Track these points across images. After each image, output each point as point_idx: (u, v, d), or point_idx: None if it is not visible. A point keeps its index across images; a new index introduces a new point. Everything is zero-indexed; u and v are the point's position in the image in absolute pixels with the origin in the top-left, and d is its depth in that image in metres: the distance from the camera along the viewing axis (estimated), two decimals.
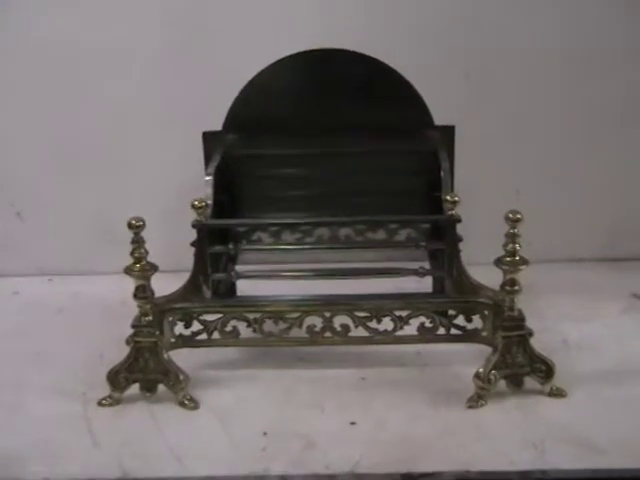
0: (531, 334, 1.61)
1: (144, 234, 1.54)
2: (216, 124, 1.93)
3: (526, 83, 2.06)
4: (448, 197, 1.65)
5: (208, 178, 1.76)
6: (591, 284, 2.09)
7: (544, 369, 1.60)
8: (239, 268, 1.87)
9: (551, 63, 2.04)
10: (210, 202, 1.72)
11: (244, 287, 1.90)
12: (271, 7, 1.97)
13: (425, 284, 1.87)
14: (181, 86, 2.04)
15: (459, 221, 1.66)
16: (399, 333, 1.67)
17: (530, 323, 1.62)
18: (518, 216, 1.52)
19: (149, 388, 1.62)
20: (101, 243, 2.15)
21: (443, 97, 1.95)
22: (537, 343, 1.63)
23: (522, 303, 1.61)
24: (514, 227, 1.53)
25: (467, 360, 1.68)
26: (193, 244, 1.69)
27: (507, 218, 1.53)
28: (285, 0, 1.97)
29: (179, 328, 1.68)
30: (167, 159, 2.09)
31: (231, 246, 1.76)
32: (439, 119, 1.94)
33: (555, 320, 1.90)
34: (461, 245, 1.75)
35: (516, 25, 2.01)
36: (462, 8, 1.99)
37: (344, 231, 1.97)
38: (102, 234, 2.14)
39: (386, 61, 1.89)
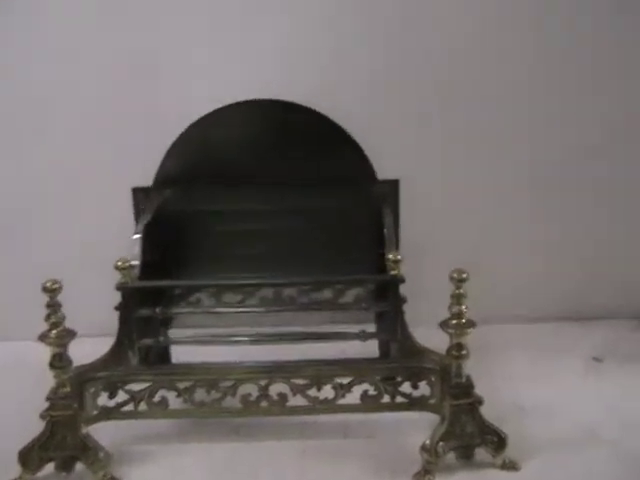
0: (481, 402, 1.50)
1: (69, 297, 1.43)
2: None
3: (486, 136, 1.99)
4: (390, 256, 1.55)
5: (136, 237, 1.65)
6: (550, 345, 2.00)
7: (496, 440, 1.50)
8: (176, 332, 1.75)
9: (511, 114, 1.98)
10: (137, 262, 1.60)
11: (183, 353, 1.77)
12: (207, 57, 1.89)
13: (374, 347, 1.75)
14: (116, 142, 1.94)
15: (402, 281, 1.55)
16: (341, 402, 1.56)
17: (484, 388, 1.52)
18: (464, 275, 1.42)
19: (66, 467, 1.49)
20: (25, 306, 2.01)
21: (395, 150, 1.88)
22: (491, 409, 1.53)
23: (476, 365, 1.51)
24: (459, 287, 1.43)
25: (417, 429, 1.56)
26: (117, 308, 1.57)
27: (452, 278, 1.43)
28: (219, 51, 1.89)
29: (103, 399, 1.55)
30: (101, 217, 1.97)
31: (158, 310, 1.63)
32: (390, 172, 1.85)
33: (511, 384, 1.80)
34: (410, 305, 1.64)
35: (468, 80, 1.95)
36: (413, 64, 1.92)
37: (288, 291, 1.85)
38: (26, 297, 2.00)
39: (334, 115, 1.80)
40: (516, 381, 1.81)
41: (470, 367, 1.50)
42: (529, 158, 2.00)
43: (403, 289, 1.63)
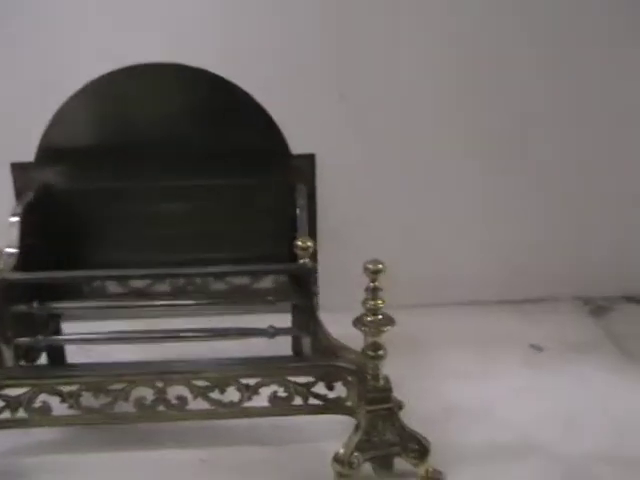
0: (401, 407, 1.34)
1: None
2: None
3: (413, 108, 1.79)
4: (300, 242, 1.37)
5: (14, 219, 1.45)
6: (486, 332, 1.84)
7: (417, 448, 1.34)
8: (73, 325, 1.56)
9: (440, 90, 1.79)
10: (13, 250, 1.41)
11: (86, 351, 1.61)
12: (103, 13, 1.66)
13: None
14: None
15: (312, 271, 1.37)
16: (247, 404, 1.39)
17: (410, 385, 1.41)
18: (379, 266, 1.25)
19: None
20: None
21: (311, 122, 1.70)
22: (417, 410, 1.41)
23: (403, 358, 1.40)
24: (375, 280, 1.26)
25: (335, 433, 1.39)
26: None
27: (366, 269, 1.26)
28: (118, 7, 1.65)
29: None
30: None
31: (36, 305, 1.43)
32: (310, 146, 1.66)
33: (441, 379, 1.64)
34: (330, 294, 1.48)
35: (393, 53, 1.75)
36: (331, 33, 1.71)
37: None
38: None
39: (242, 82, 1.60)
40: (447, 376, 1.65)
41: (398, 361, 1.35)
42: (462, 133, 1.82)
43: (322, 276, 1.47)
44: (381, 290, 1.27)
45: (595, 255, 1.93)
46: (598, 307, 1.93)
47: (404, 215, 1.85)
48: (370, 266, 1.25)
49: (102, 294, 1.68)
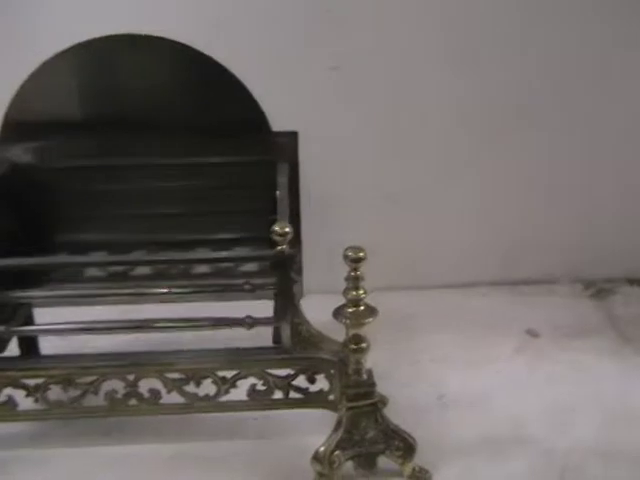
0: (385, 403, 1.27)
1: None
2: None
3: (403, 86, 1.72)
4: (277, 228, 1.27)
5: None
6: (482, 315, 1.76)
7: (402, 446, 1.26)
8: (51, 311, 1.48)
9: (432, 59, 1.71)
10: None
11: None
12: None
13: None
14: None
15: (290, 259, 1.28)
16: (224, 398, 1.32)
17: (398, 373, 1.39)
18: (361, 255, 1.17)
19: None
20: None
21: (293, 97, 1.63)
22: (404, 400, 1.36)
23: (391, 343, 1.39)
24: (356, 269, 1.18)
25: (316, 427, 1.32)
26: None
27: (346, 257, 1.18)
28: None
29: None
30: None
31: None
32: (292, 122, 1.58)
33: (433, 367, 1.57)
34: (315, 276, 1.41)
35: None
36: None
37: None
38: None
39: (219, 55, 1.52)
40: (437, 363, 1.59)
41: (386, 346, 1.34)
42: (456, 110, 1.74)
43: (306, 257, 1.39)
44: (363, 279, 1.19)
45: (597, 234, 1.85)
46: (599, 290, 1.85)
47: (392, 194, 1.77)
48: (350, 254, 1.17)
49: (78, 278, 1.60)
